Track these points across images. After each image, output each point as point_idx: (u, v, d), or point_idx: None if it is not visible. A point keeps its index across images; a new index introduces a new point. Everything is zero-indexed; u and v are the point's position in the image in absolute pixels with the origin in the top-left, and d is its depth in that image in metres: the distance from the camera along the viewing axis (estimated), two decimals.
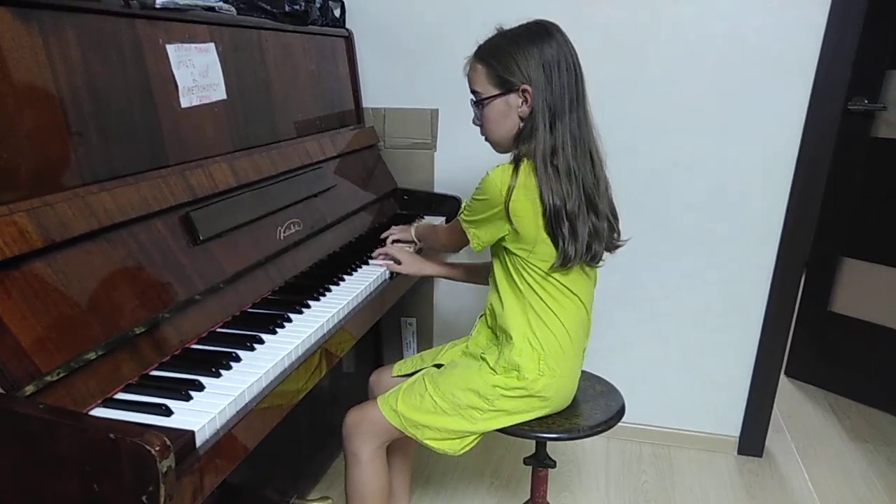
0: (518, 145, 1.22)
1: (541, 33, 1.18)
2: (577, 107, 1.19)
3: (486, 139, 1.29)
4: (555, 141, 1.18)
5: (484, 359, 1.28)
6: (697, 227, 1.85)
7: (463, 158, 1.97)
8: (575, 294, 1.25)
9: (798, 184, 1.75)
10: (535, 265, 1.22)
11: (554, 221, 1.17)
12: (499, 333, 1.30)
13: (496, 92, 1.21)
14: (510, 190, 1.17)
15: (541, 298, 1.23)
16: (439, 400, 1.25)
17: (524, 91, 1.18)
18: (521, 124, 1.21)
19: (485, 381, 1.25)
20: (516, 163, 1.19)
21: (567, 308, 1.25)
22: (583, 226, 1.19)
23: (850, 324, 2.32)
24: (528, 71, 1.17)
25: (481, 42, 1.24)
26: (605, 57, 1.76)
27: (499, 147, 1.29)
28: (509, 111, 1.21)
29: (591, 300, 1.31)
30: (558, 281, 1.23)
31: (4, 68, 0.87)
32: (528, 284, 1.23)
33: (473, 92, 1.25)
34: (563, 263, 1.19)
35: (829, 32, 1.62)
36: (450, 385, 1.26)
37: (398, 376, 1.43)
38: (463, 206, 1.31)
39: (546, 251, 1.20)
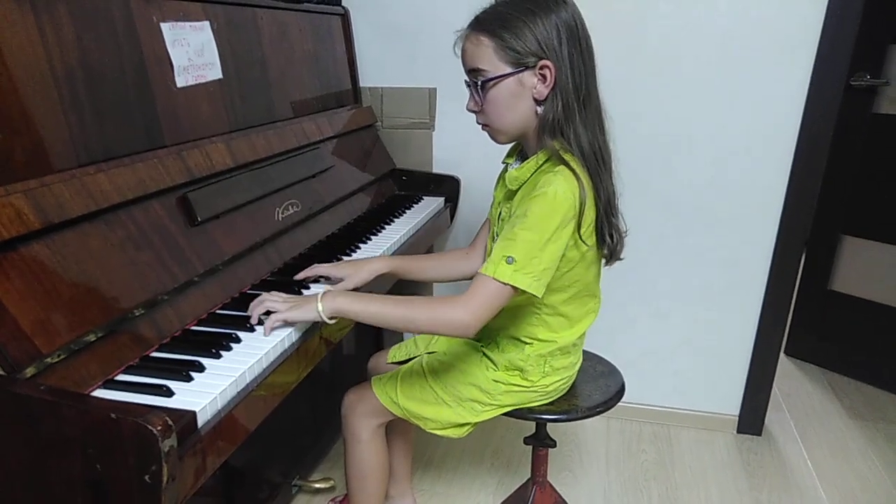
0: (546, 137, 1.05)
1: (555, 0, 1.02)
2: (595, 83, 1.07)
3: (487, 127, 1.11)
4: (591, 127, 1.05)
5: (485, 353, 1.24)
6: (698, 205, 1.84)
7: (462, 138, 1.95)
8: (590, 288, 1.19)
9: (799, 161, 1.73)
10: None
11: (605, 218, 1.08)
12: (501, 334, 1.23)
13: (508, 70, 1.02)
14: (583, 204, 1.02)
15: (552, 307, 1.15)
16: (441, 391, 1.23)
17: (543, 67, 1.02)
18: (540, 109, 1.05)
19: (486, 377, 1.21)
20: (563, 162, 1.03)
21: (584, 303, 1.20)
22: (617, 216, 1.12)
23: (850, 302, 2.32)
24: (549, 43, 1.00)
25: (478, 12, 1.06)
26: (603, 28, 1.71)
27: (503, 136, 1.11)
28: (522, 92, 1.04)
29: (599, 287, 1.25)
30: (578, 282, 1.14)
31: None
32: (544, 295, 1.08)
33: (474, 71, 1.05)
34: (609, 261, 1.14)
35: (832, 6, 1.60)
36: (451, 378, 1.23)
37: (393, 363, 1.41)
38: (496, 261, 1.02)
39: (590, 254, 1.11)
